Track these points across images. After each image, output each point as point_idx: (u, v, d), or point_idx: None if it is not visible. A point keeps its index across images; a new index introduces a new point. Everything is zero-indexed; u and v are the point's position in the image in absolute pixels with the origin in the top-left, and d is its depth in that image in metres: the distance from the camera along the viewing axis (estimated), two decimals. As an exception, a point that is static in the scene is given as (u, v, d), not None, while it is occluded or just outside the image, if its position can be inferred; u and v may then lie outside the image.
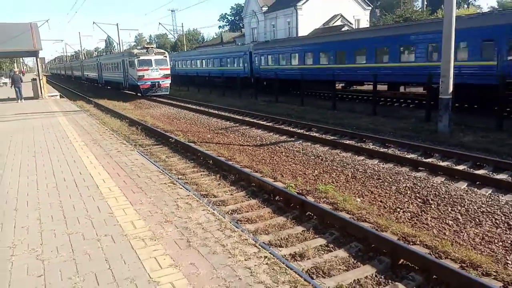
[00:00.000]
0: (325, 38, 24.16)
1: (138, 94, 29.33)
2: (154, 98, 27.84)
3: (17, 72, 26.82)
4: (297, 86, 23.18)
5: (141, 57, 27.42)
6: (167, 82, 28.65)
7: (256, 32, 50.73)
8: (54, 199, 5.94)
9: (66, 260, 4.05)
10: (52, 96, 28.35)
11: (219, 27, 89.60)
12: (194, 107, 22.11)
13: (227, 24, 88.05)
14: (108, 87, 38.91)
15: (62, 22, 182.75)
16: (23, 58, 68.87)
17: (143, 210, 5.33)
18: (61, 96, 28.84)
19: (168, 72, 28.69)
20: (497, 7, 56.69)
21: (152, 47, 29.19)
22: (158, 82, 27.99)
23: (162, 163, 10.06)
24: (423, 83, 16.21)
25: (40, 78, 27.41)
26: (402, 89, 20.83)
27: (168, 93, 28.73)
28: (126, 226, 4.82)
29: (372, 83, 17.77)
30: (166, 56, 28.83)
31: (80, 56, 71.42)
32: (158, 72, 27.86)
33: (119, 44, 48.97)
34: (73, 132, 12.11)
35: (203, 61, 38.41)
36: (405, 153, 10.34)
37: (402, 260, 4.99)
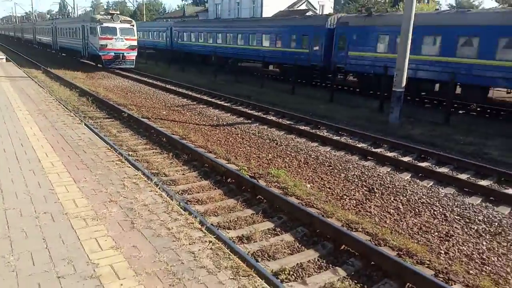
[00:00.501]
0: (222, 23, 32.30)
1: (99, 65, 26.56)
2: (109, 68, 25.51)
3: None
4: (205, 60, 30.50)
5: (105, 24, 24.50)
6: (132, 55, 25.92)
7: (220, 9, 49.67)
8: (-9, 171, 5.58)
9: (1, 237, 3.84)
10: (-4, 58, 26.44)
11: (182, 0, 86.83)
12: (150, 81, 21.43)
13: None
14: (63, 54, 35.63)
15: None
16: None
17: (87, 188, 5.13)
18: (7, 60, 26.94)
19: (135, 43, 26.02)
20: (454, 4, 58.91)
21: (117, 14, 25.91)
22: (123, 53, 25.18)
23: (112, 137, 9.73)
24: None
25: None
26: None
27: (133, 66, 26.02)
28: (67, 204, 4.62)
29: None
30: (133, 25, 26.04)
31: (32, 18, 66.87)
32: (123, 42, 25.09)
33: (74, 8, 46.39)
34: (18, 100, 11.38)
35: (149, 33, 42.00)
36: (356, 142, 10.64)
37: (343, 246, 5.18)
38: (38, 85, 15.38)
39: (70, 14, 44.59)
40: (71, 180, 5.36)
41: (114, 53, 24.91)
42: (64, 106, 11.25)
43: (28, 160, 6.11)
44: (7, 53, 36.35)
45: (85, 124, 9.25)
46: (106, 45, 24.51)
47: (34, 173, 5.56)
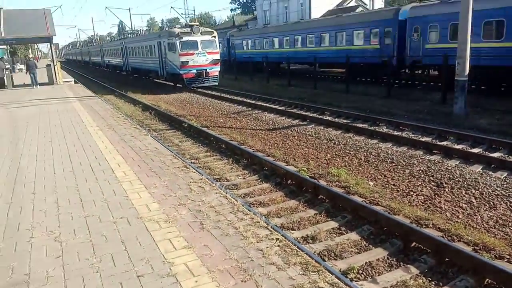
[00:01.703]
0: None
1: (178, 85, 23.73)
2: (190, 88, 22.46)
3: (32, 58, 27.13)
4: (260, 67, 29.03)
5: (185, 38, 21.61)
6: (216, 70, 22.71)
7: (269, 15, 50.10)
8: (71, 182, 6.08)
9: (83, 241, 4.17)
10: (66, 81, 28.63)
11: (231, 10, 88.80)
12: (206, 91, 22.11)
13: (239, 6, 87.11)
14: (135, 75, 33.15)
15: (75, 8, 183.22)
16: (37, 44, 69.47)
17: (157, 193, 5.43)
18: (75, 82, 29.09)
19: (218, 57, 22.70)
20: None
21: (197, 25, 22.71)
22: (206, 69, 22.11)
23: (175, 147, 10.16)
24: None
25: (55, 64, 27.67)
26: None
27: (217, 83, 22.84)
28: (141, 209, 4.92)
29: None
30: (215, 37, 22.80)
31: (93, 41, 71.21)
32: (205, 57, 22.00)
33: (131, 28, 48.91)
34: (88, 117, 12.28)
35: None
36: (419, 136, 10.22)
37: (414, 243, 4.99)
38: (105, 102, 16.46)
39: (140, 32, 42.73)
40: (143, 187, 5.70)
41: (197, 70, 21.95)
42: (130, 120, 11.96)
43: (103, 171, 6.58)
44: (79, 78, 36.28)
45: (150, 136, 9.74)
46: (188, 62, 21.65)
47: (109, 183, 5.98)
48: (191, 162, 8.62)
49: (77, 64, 76.81)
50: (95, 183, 6.01)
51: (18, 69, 45.91)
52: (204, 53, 22.02)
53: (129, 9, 50.08)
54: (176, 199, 5.21)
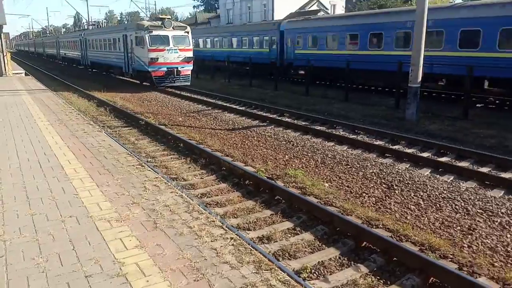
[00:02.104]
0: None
1: (145, 83, 22.07)
2: (160, 87, 20.89)
3: (-21, 47, 25.53)
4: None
5: (155, 32, 19.85)
6: (188, 69, 21.10)
7: (232, 13, 50.07)
8: (17, 179, 5.78)
9: (29, 240, 3.98)
10: (17, 73, 27.17)
11: (194, 6, 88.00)
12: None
13: (202, 3, 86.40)
14: (93, 70, 31.29)
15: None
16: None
17: (110, 192, 5.26)
18: (26, 74, 27.67)
19: (191, 54, 21.14)
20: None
21: (168, 19, 20.93)
22: (177, 68, 20.48)
23: (131, 145, 9.90)
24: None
25: (4, 54, 26.18)
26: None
27: (189, 83, 21.25)
28: (92, 207, 4.75)
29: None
30: (188, 32, 21.17)
31: (47, 32, 68.01)
32: (177, 54, 20.36)
33: (88, 20, 47.11)
34: (38, 112, 11.71)
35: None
36: (373, 140, 10.58)
37: (365, 243, 5.16)
38: (57, 96, 15.76)
39: (101, 24, 39.46)
40: (94, 185, 5.51)
41: (167, 68, 20.27)
42: (83, 116, 11.52)
43: (52, 168, 6.29)
44: (31, 70, 34.60)
45: (104, 132, 9.43)
46: (157, 58, 19.88)
47: (58, 180, 5.73)
48: (147, 161, 8.44)
49: (29, 55, 72.91)
50: (43, 180, 5.73)
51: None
52: (176, 49, 20.38)
53: (87, 0, 48.26)
54: (129, 197, 5.07)
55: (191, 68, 21.35)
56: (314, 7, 42.13)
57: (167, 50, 20.10)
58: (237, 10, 48.93)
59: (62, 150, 7.37)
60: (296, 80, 23.20)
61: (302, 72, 22.02)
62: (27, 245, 3.89)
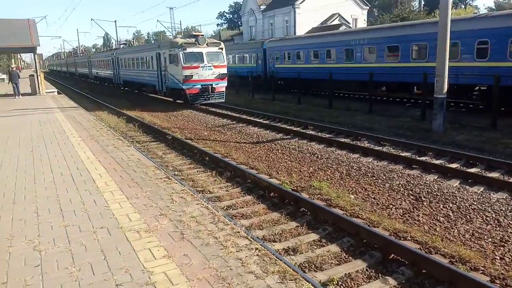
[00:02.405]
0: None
1: (179, 101, 21.64)
2: (194, 105, 20.43)
3: (15, 68, 26.80)
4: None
5: (189, 49, 19.43)
6: (223, 85, 20.53)
7: (254, 30, 50.80)
8: (51, 192, 6.03)
9: (63, 251, 4.14)
10: (49, 92, 28.32)
11: (217, 25, 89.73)
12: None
13: (226, 22, 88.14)
14: (125, 88, 31.41)
15: (60, 19, 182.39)
16: (21, 54, 68.55)
17: (139, 204, 5.43)
18: (58, 93, 28.80)
19: (225, 71, 20.61)
20: (494, 7, 56.89)
21: (202, 35, 20.78)
22: (212, 85, 19.94)
23: (158, 159, 10.14)
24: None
25: (38, 74, 27.39)
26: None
27: (223, 100, 20.73)
28: (122, 219, 4.91)
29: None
30: (222, 49, 20.66)
31: (78, 52, 70.52)
32: (211, 71, 19.88)
33: (117, 40, 48.71)
34: (70, 128, 12.18)
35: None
36: (399, 151, 10.44)
37: (392, 255, 5.09)
38: (88, 113, 16.33)
39: (132, 43, 39.31)
40: (124, 197, 5.69)
41: (201, 85, 19.72)
42: (113, 131, 11.90)
43: (84, 181, 6.54)
44: (63, 89, 35.50)
45: (133, 147, 9.71)
46: (192, 75, 19.39)
47: (90, 193, 5.95)
48: (174, 174, 8.62)
49: (61, 75, 74.97)
50: (76, 193, 5.96)
51: (0, 79, 45.28)
52: (210, 66, 19.85)
53: (115, 21, 50.12)
54: (157, 209, 5.21)
55: (226, 84, 20.82)
56: (336, 22, 42.26)
57: (202, 67, 19.64)
58: (260, 27, 49.63)
59: (94, 164, 7.65)
60: (280, 89, 26.06)
61: (281, 82, 26.64)
62: (61, 255, 4.05)
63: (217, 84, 20.17)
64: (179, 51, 19.34)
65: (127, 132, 14.09)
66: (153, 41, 50.61)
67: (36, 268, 3.80)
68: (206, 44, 20.05)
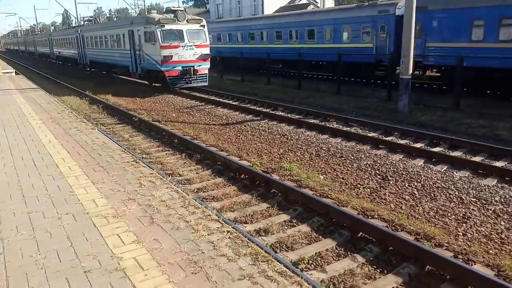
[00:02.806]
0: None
1: (156, 84, 19.71)
2: (174, 89, 18.50)
3: (-33, 47, 25.16)
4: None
5: (167, 26, 17.35)
6: (205, 67, 18.66)
7: (222, 9, 49.80)
8: (12, 178, 5.75)
9: (26, 238, 3.98)
10: (7, 73, 26.85)
11: (183, 2, 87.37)
12: (157, 84, 21.55)
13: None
14: (92, 69, 29.23)
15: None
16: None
17: (105, 188, 5.26)
18: (16, 73, 27.37)
19: (207, 51, 18.69)
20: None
21: (182, 11, 18.35)
22: (193, 66, 18.04)
23: (125, 142, 9.87)
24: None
25: (-7, 53, 25.85)
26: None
27: (206, 84, 18.93)
28: (88, 204, 4.75)
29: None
30: (204, 26, 18.60)
31: (36, 30, 66.93)
32: (193, 50, 17.96)
33: (77, 18, 46.53)
34: (30, 110, 11.61)
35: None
36: (367, 131, 10.64)
37: (361, 233, 5.21)
38: (48, 95, 15.63)
39: (98, 20, 36.14)
40: (89, 182, 5.50)
41: (182, 67, 17.80)
42: (75, 114, 11.44)
43: (46, 166, 6.26)
44: (22, 70, 33.74)
45: (98, 130, 9.39)
46: (171, 56, 17.42)
47: (53, 178, 5.71)
48: (142, 157, 8.43)
49: (19, 54, 71.02)
50: (38, 178, 5.71)
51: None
52: (191, 45, 17.84)
53: (76, -2, 47.69)
54: (125, 194, 5.07)
55: (208, 66, 18.97)
56: (304, 1, 42.06)
57: (182, 46, 17.60)
58: (227, 5, 48.67)
59: (56, 148, 7.34)
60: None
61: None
62: (25, 243, 3.89)
63: (199, 65, 18.28)
64: (156, 28, 17.16)
65: (91, 114, 13.61)
66: (115, 19, 47.29)
67: (-2, 257, 3.63)
68: (187, 21, 17.93)
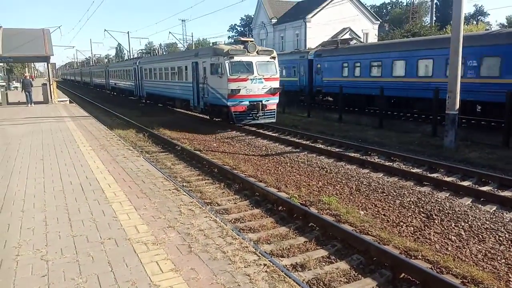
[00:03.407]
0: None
1: (216, 119, 18.72)
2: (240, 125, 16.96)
3: (28, 77, 27.21)
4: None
5: (236, 58, 16.14)
6: (274, 102, 17.05)
7: (265, 43, 51.16)
8: (60, 202, 6.03)
9: (70, 261, 4.11)
10: (61, 101, 28.66)
11: (229, 37, 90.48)
12: (199, 115, 22.12)
13: (237, 34, 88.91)
14: (148, 102, 28.16)
15: (74, 29, 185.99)
16: (34, 63, 69.62)
17: (147, 215, 5.40)
18: (70, 102, 29.13)
19: (277, 84, 17.14)
20: (506, 24, 56.69)
21: (252, 42, 17.10)
22: (261, 101, 16.45)
23: (167, 170, 10.14)
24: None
25: (51, 83, 27.78)
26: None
27: (274, 120, 17.25)
28: (130, 230, 4.88)
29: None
30: (274, 58, 17.23)
31: (91, 62, 71.26)
32: (262, 84, 16.46)
33: (129, 51, 49.32)
34: (81, 137, 12.26)
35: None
36: (410, 167, 10.32)
37: (403, 274, 4.98)
38: (99, 123, 16.45)
39: (156, 52, 36.29)
40: (132, 208, 5.67)
41: (250, 101, 16.25)
42: (123, 141, 11.94)
43: (93, 191, 6.54)
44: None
45: (143, 157, 9.73)
46: (239, 89, 15.97)
47: (99, 203, 5.94)
48: (183, 185, 8.61)
49: (75, 85, 74.22)
50: (85, 202, 5.96)
51: (14, 87, 45.97)
52: (260, 78, 16.32)
53: (128, 32, 50.84)
54: (165, 221, 5.18)
55: (277, 101, 17.34)
56: (347, 36, 42.40)
57: (251, 79, 16.15)
58: (270, 40, 50.01)
59: (103, 174, 7.66)
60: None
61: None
62: (68, 266, 4.02)
63: (268, 100, 16.64)
64: (225, 60, 15.89)
65: (137, 142, 14.17)
66: (164, 53, 47.94)
67: (42, 278, 3.77)
68: (257, 52, 16.57)
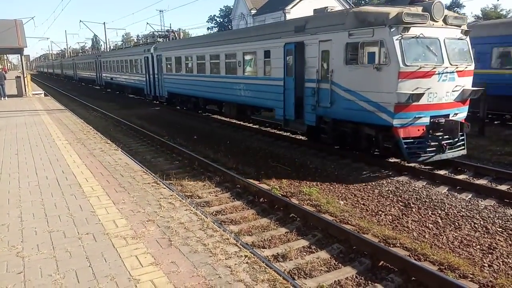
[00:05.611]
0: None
1: (357, 152, 10.28)
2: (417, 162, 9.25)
3: (0, 70, 26.33)
4: None
5: (414, 30, 8.40)
6: (462, 116, 9.38)
7: (245, 35, 50.82)
8: (36, 197, 5.89)
9: (47, 257, 4.03)
10: (36, 94, 27.87)
11: (208, 28, 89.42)
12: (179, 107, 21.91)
13: (216, 25, 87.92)
14: (169, 104, 21.44)
15: (48, 20, 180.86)
16: (7, 55, 67.37)
17: (126, 209, 5.32)
18: (45, 95, 28.37)
19: (470, 82, 9.39)
20: (481, 15, 57.93)
21: (438, 1, 8.68)
22: (448, 115, 8.93)
23: (146, 163, 10.01)
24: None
25: (25, 75, 26.95)
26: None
27: (465, 151, 9.33)
28: (108, 224, 4.80)
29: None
30: (467, 33, 9.45)
31: (66, 54, 69.32)
32: (453, 82, 8.83)
33: (106, 43, 48.28)
34: (57, 131, 11.97)
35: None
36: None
37: (382, 262, 5.07)
38: (75, 116, 16.08)
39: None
40: (111, 202, 5.58)
41: (431, 116, 8.71)
42: (100, 135, 11.71)
43: (69, 186, 6.40)
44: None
45: (121, 150, 9.57)
46: (421, 94, 8.33)
47: (76, 197, 5.82)
48: (162, 178, 8.51)
49: (50, 77, 72.18)
50: (61, 197, 5.83)
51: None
52: (452, 72, 8.82)
53: (104, 23, 49.65)
54: (145, 215, 5.11)
55: (466, 114, 9.70)
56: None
57: (438, 74, 8.61)
58: (251, 30, 49.56)
59: (80, 168, 7.50)
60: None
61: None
62: (45, 262, 3.93)
63: (457, 113, 9.23)
64: (392, 35, 8.37)
65: (115, 135, 13.91)
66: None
67: (18, 275, 3.68)
68: (444, 21, 8.94)
